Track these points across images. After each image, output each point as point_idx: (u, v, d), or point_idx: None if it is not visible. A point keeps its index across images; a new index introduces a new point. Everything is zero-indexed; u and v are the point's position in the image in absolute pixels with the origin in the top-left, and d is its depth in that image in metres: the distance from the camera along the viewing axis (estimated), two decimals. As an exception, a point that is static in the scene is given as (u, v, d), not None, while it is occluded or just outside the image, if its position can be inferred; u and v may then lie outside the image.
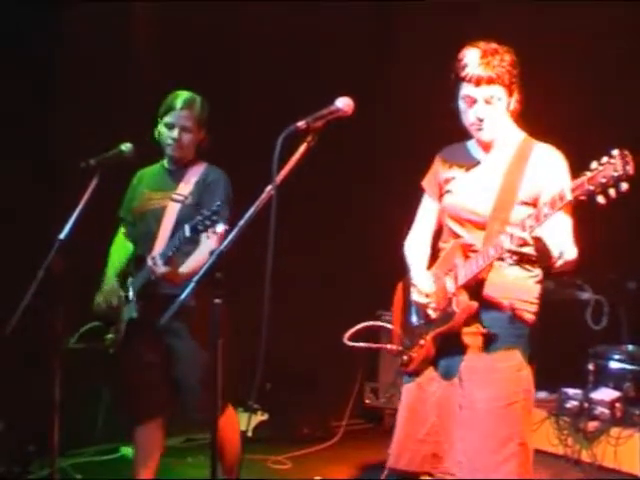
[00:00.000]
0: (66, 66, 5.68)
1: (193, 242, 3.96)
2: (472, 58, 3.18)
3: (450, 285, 3.24)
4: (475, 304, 3.20)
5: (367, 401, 6.47)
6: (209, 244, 3.92)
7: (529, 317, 3.30)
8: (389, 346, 3.49)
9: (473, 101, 3.21)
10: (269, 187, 2.99)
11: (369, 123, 5.82)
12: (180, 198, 4.07)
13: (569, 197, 2.82)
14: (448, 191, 3.39)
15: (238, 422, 4.37)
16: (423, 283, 3.33)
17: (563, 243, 3.13)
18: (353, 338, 3.50)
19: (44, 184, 5.45)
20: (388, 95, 6.55)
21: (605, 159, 2.73)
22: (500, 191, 3.22)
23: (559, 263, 3.08)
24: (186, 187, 4.13)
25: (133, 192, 4.33)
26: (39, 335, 3.93)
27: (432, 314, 3.30)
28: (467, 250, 3.26)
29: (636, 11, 5.71)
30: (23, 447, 5.03)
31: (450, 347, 3.28)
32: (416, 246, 3.52)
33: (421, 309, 3.35)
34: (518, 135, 3.33)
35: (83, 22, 5.66)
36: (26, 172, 5.35)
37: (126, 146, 3.99)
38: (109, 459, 5.40)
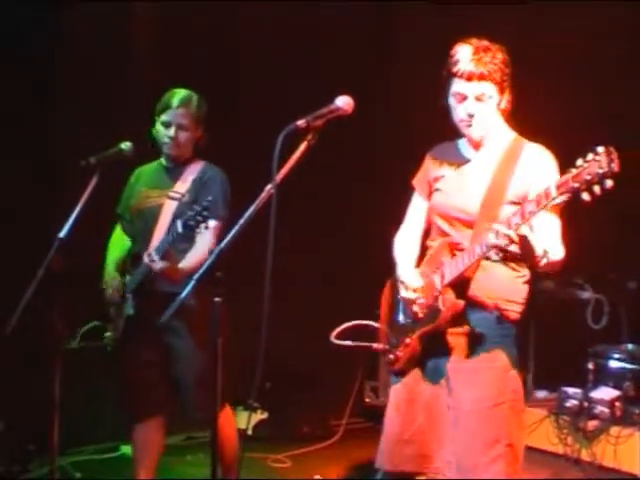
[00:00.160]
0: (66, 66, 5.68)
1: (188, 240, 3.95)
2: (464, 54, 3.17)
3: (437, 283, 3.23)
4: (461, 303, 3.19)
5: (367, 400, 6.48)
6: (205, 239, 3.94)
7: (514, 317, 3.26)
8: (375, 345, 3.47)
9: (463, 97, 3.20)
10: (269, 186, 2.99)
11: (369, 123, 5.82)
12: (177, 196, 4.06)
13: (554, 194, 2.81)
14: (437, 189, 3.38)
15: (236, 421, 4.37)
16: (410, 279, 3.31)
17: (549, 243, 3.11)
18: (340, 336, 3.50)
19: (44, 183, 5.46)
20: (388, 95, 6.55)
21: (590, 156, 2.72)
22: (489, 190, 3.21)
23: (543, 262, 3.04)
24: (183, 185, 4.13)
25: (131, 190, 4.33)
26: (39, 334, 3.93)
27: (418, 312, 3.29)
28: (454, 248, 3.26)
29: (635, 11, 5.72)
30: (23, 446, 5.04)
31: (437, 347, 3.27)
32: (405, 244, 3.51)
33: (408, 307, 3.34)
34: (508, 134, 3.33)
35: (83, 22, 5.66)
36: (26, 172, 5.36)
37: (126, 145, 3.99)
38: (109, 457, 5.41)
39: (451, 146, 3.43)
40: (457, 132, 3.36)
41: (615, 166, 2.69)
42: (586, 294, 6.09)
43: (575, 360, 5.73)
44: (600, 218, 6.10)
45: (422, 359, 3.32)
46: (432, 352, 3.29)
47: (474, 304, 3.21)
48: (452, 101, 3.25)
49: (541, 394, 6.26)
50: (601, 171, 2.69)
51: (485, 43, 3.20)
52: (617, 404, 5.43)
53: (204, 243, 3.95)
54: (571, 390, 5.64)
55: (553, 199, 2.83)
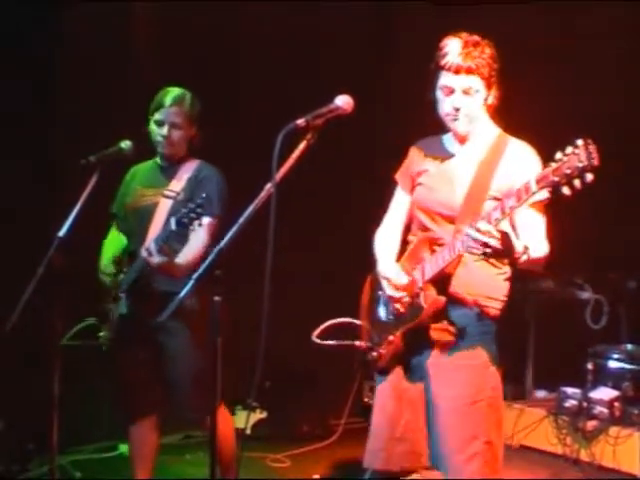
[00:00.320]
0: (66, 66, 5.67)
1: (183, 240, 3.95)
2: (453, 47, 3.17)
3: (418, 280, 3.22)
4: (443, 299, 3.18)
5: (366, 399, 6.46)
6: (199, 237, 3.93)
7: (494, 313, 3.25)
8: (357, 343, 3.44)
9: (451, 91, 3.19)
10: (269, 184, 2.99)
11: (369, 122, 5.82)
12: (172, 194, 4.05)
13: (534, 189, 2.80)
14: (420, 184, 3.36)
15: (232, 420, 4.36)
16: (397, 277, 3.29)
17: (531, 239, 3.11)
18: (324, 335, 3.50)
19: (44, 183, 5.45)
20: (388, 95, 6.55)
21: (569, 149, 2.71)
22: (472, 185, 3.20)
23: (523, 259, 3.02)
24: (178, 183, 4.11)
25: (126, 188, 4.31)
26: (38, 333, 3.93)
27: (400, 308, 3.28)
28: (434, 244, 3.25)
29: (633, 11, 5.74)
30: (22, 445, 5.04)
31: (419, 343, 3.26)
32: (386, 240, 3.50)
33: (390, 304, 3.33)
34: (493, 130, 3.31)
35: (83, 22, 5.66)
36: (26, 171, 5.35)
37: (125, 143, 4.00)
38: (108, 457, 5.40)
39: (435, 141, 3.41)
40: (443, 126, 3.34)
41: (595, 159, 2.67)
42: (586, 294, 6.10)
43: (574, 360, 5.74)
44: (599, 219, 6.13)
45: (405, 356, 3.31)
46: (414, 348, 3.28)
47: (454, 300, 3.20)
48: (439, 94, 3.24)
49: (540, 394, 6.29)
50: (581, 165, 2.67)
51: (475, 38, 3.19)
52: (616, 404, 5.45)
53: (198, 240, 3.95)
54: (570, 390, 5.66)
55: (533, 193, 2.82)
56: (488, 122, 3.32)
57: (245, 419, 5.75)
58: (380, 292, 3.38)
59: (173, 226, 3.65)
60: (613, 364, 5.68)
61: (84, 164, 3.79)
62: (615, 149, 6.07)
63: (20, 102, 5.34)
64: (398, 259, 3.43)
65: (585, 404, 5.52)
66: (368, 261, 3.52)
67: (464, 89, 3.18)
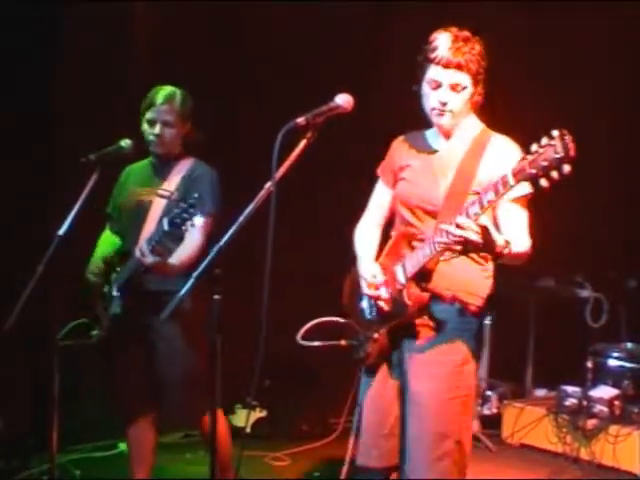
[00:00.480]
0: (66, 66, 5.66)
1: (176, 240, 3.94)
2: (443, 41, 3.15)
3: (400, 277, 3.20)
4: (426, 295, 3.16)
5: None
6: (193, 237, 3.91)
7: (474, 309, 3.22)
8: (343, 342, 3.44)
9: (438, 85, 3.17)
10: (269, 183, 2.99)
11: (369, 121, 5.82)
12: (166, 194, 4.03)
13: (512, 182, 2.78)
14: (402, 178, 3.35)
15: (225, 420, 4.35)
16: (371, 276, 3.28)
17: (513, 234, 3.09)
18: (309, 334, 3.49)
19: (44, 182, 5.44)
20: (388, 94, 6.55)
21: (545, 141, 2.68)
22: (454, 180, 3.18)
23: (505, 253, 2.99)
24: (172, 182, 4.09)
25: (120, 188, 4.29)
26: (38, 331, 3.93)
27: (384, 306, 3.26)
28: (413, 239, 3.24)
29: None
30: (22, 442, 5.03)
31: (402, 339, 3.25)
32: (365, 235, 3.49)
33: (373, 302, 3.31)
34: (477, 126, 3.29)
35: (83, 22, 5.64)
36: (26, 170, 5.34)
37: (126, 142, 3.98)
38: (108, 455, 5.39)
39: (419, 136, 3.39)
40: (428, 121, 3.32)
41: (571, 150, 2.64)
42: (585, 292, 6.11)
43: (574, 359, 5.74)
44: (599, 218, 6.13)
45: (390, 353, 3.30)
46: (398, 345, 3.28)
47: (435, 296, 3.19)
48: (425, 88, 3.21)
49: (540, 393, 6.29)
50: (557, 156, 2.64)
51: (465, 33, 3.18)
52: (616, 403, 5.45)
53: (192, 240, 3.93)
54: (570, 389, 5.66)
55: (511, 187, 2.80)
56: (472, 118, 3.29)
57: (245, 418, 5.75)
58: (362, 290, 3.36)
59: (166, 227, 3.63)
60: (613, 363, 5.68)
61: (84, 162, 3.78)
62: (615, 149, 6.13)
63: (20, 102, 5.32)
64: (379, 255, 3.42)
65: (585, 403, 5.52)
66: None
67: (452, 84, 3.15)
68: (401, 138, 3.46)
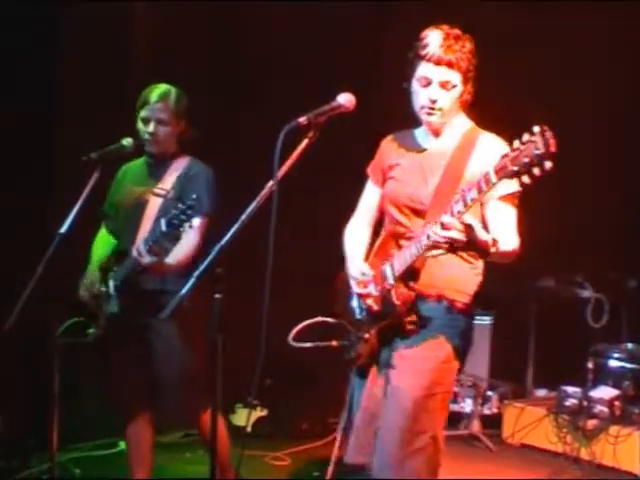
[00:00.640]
0: (66, 66, 5.66)
1: (173, 239, 3.93)
2: (434, 39, 3.14)
3: (388, 276, 3.19)
4: (413, 294, 3.15)
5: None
6: (190, 237, 3.89)
7: (460, 307, 3.22)
8: (334, 343, 3.42)
9: (428, 82, 3.16)
10: (270, 182, 2.98)
11: (369, 121, 5.82)
12: (162, 192, 4.01)
13: (494, 180, 2.77)
14: (391, 177, 3.33)
15: (223, 419, 4.35)
16: (360, 273, 3.28)
17: (500, 232, 3.08)
18: (301, 336, 3.47)
19: (44, 182, 5.43)
20: (388, 94, 6.54)
21: (526, 137, 2.67)
22: (442, 179, 3.17)
23: (492, 251, 2.98)
24: (168, 181, 4.07)
25: (117, 186, 4.27)
26: (38, 330, 3.93)
27: (373, 305, 3.25)
28: (401, 238, 3.23)
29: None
30: (22, 442, 5.03)
31: (391, 338, 3.24)
32: (355, 235, 3.49)
33: (363, 303, 3.30)
34: (466, 124, 3.28)
35: (83, 22, 5.63)
36: (26, 169, 5.33)
37: (127, 141, 3.98)
38: (108, 454, 5.39)
39: (408, 134, 3.38)
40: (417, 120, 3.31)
41: (552, 146, 2.62)
42: (586, 293, 6.10)
43: (575, 359, 5.74)
44: (598, 217, 6.13)
45: (379, 352, 3.29)
46: (386, 344, 3.27)
47: (422, 294, 3.18)
48: (415, 85, 3.20)
49: (541, 393, 6.29)
50: (538, 152, 2.63)
51: (456, 31, 3.17)
52: (616, 403, 5.45)
53: (189, 240, 3.91)
54: (570, 389, 5.66)
55: (493, 184, 2.79)
56: (462, 116, 3.29)
57: (246, 417, 5.75)
58: (352, 290, 3.36)
59: (163, 227, 3.62)
60: (613, 363, 5.68)
61: (85, 161, 3.78)
62: (616, 149, 6.14)
63: (20, 102, 5.31)
64: (368, 254, 3.41)
65: (585, 403, 5.52)
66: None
67: (441, 82, 3.14)
68: (390, 137, 3.45)
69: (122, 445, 5.31)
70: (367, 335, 3.29)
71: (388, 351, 3.26)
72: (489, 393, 6.15)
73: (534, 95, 6.04)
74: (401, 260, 3.15)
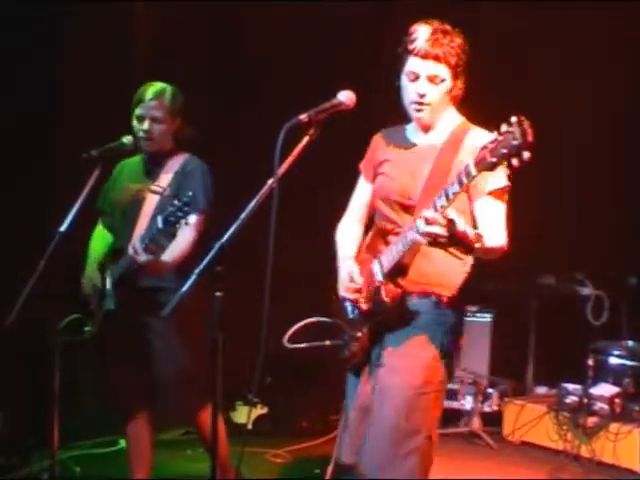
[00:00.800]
0: (66, 66, 5.66)
1: (170, 236, 3.93)
2: (422, 33, 3.12)
3: (377, 273, 3.18)
4: (400, 291, 3.13)
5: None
6: (186, 234, 3.90)
7: (445, 301, 3.18)
8: (328, 342, 3.41)
9: (416, 76, 3.14)
10: (271, 180, 2.98)
11: (369, 121, 5.82)
12: (159, 190, 4.00)
13: (474, 172, 2.76)
14: (381, 173, 3.32)
15: (222, 418, 4.34)
16: (349, 279, 3.26)
17: (488, 228, 3.07)
18: (300, 336, 3.45)
19: (44, 182, 5.44)
20: (388, 94, 6.55)
21: (504, 128, 2.66)
22: (431, 174, 3.14)
23: (477, 246, 2.96)
24: (165, 178, 4.06)
25: (113, 183, 4.26)
26: (38, 328, 3.93)
27: (363, 305, 3.24)
28: (388, 234, 3.22)
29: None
30: (23, 439, 5.03)
31: (382, 335, 3.23)
32: (346, 233, 3.47)
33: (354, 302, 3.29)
34: (456, 119, 3.26)
35: (83, 22, 5.64)
36: (26, 170, 5.34)
37: (127, 138, 3.98)
38: (108, 451, 5.39)
39: (399, 130, 3.36)
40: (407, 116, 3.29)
41: (529, 136, 2.61)
42: (586, 290, 6.11)
43: (575, 356, 5.75)
44: (599, 216, 6.14)
45: (371, 350, 3.27)
46: (378, 341, 3.25)
47: (411, 290, 3.16)
48: (404, 80, 3.19)
49: (541, 390, 6.30)
50: (516, 143, 2.62)
51: (445, 26, 3.15)
52: (617, 401, 5.45)
53: (185, 237, 3.92)
54: (571, 386, 5.66)
55: (473, 177, 2.78)
56: (452, 112, 3.27)
57: (246, 415, 5.76)
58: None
59: (160, 225, 3.62)
60: (614, 360, 5.68)
61: (86, 158, 3.78)
62: (616, 149, 6.14)
63: (20, 102, 5.32)
64: (359, 251, 3.40)
65: (586, 400, 5.52)
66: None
67: (429, 76, 3.13)
68: (381, 133, 3.43)
69: (122, 443, 5.31)
70: (359, 334, 3.28)
71: (379, 349, 3.23)
72: (489, 390, 6.15)
73: (534, 95, 6.06)
74: (389, 257, 3.14)
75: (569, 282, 6.19)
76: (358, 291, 3.25)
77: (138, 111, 4.09)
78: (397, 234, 3.16)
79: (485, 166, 2.72)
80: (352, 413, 3.36)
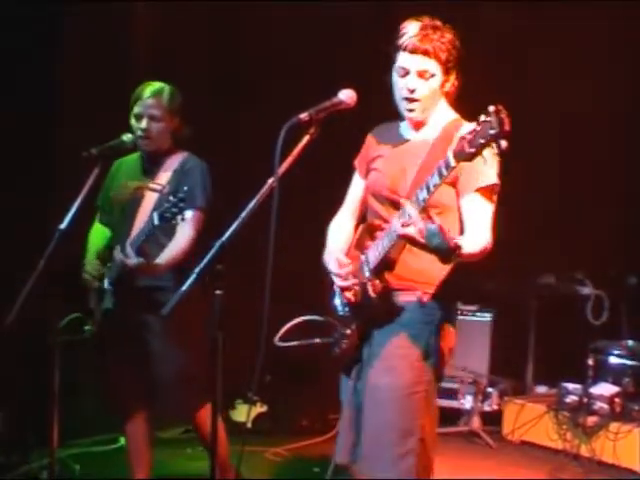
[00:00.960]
0: (66, 66, 5.67)
1: (168, 234, 3.93)
2: (412, 29, 3.12)
3: (365, 269, 3.16)
4: (385, 286, 3.11)
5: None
6: (184, 233, 3.91)
7: (427, 299, 3.14)
8: (318, 340, 3.40)
9: (406, 72, 3.13)
10: (271, 179, 2.98)
11: (369, 121, 5.83)
12: (157, 187, 3.98)
13: (452, 163, 2.75)
14: (374, 169, 3.30)
15: (220, 418, 4.34)
16: (338, 267, 3.23)
17: (470, 229, 3.05)
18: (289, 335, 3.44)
19: (44, 181, 5.44)
20: (388, 94, 6.55)
21: (482, 117, 2.65)
22: (420, 170, 3.11)
23: (452, 258, 2.92)
24: (164, 176, 4.06)
25: (111, 181, 4.25)
26: (38, 326, 3.93)
27: (351, 298, 3.22)
28: (376, 230, 3.19)
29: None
30: (22, 437, 5.03)
31: (370, 333, 3.21)
32: (338, 228, 3.45)
33: (343, 297, 3.27)
34: (449, 115, 3.24)
35: (83, 22, 5.64)
36: (26, 170, 5.34)
37: (127, 136, 3.98)
38: (107, 450, 5.39)
39: (393, 126, 3.34)
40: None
41: (506, 125, 2.61)
42: (586, 290, 6.11)
43: (575, 356, 5.75)
44: (599, 215, 6.14)
45: (360, 348, 3.25)
46: (366, 339, 3.22)
47: (397, 286, 3.14)
48: (395, 76, 3.18)
49: (541, 389, 6.30)
50: (493, 132, 2.61)
51: (437, 23, 3.14)
52: (616, 400, 5.46)
53: (183, 237, 3.92)
54: (571, 386, 5.67)
55: (453, 168, 2.77)
56: (445, 108, 3.24)
57: (246, 413, 5.76)
58: (334, 286, 3.31)
59: (156, 221, 3.63)
60: (614, 360, 5.68)
61: (86, 156, 3.78)
62: (616, 149, 6.15)
63: (20, 102, 5.32)
64: (349, 248, 3.38)
65: (585, 400, 5.53)
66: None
67: (419, 71, 3.11)
68: (376, 129, 3.42)
69: (122, 441, 5.32)
70: (349, 331, 3.26)
71: (368, 347, 3.21)
72: (489, 390, 6.15)
73: (534, 95, 6.06)
74: (375, 252, 3.12)
75: (569, 282, 6.20)
76: (350, 276, 3.20)
77: (136, 109, 4.08)
78: (384, 230, 3.13)
79: (464, 156, 2.71)
80: (345, 413, 3.34)
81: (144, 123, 4.05)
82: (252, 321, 3.12)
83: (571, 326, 6.04)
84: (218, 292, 2.99)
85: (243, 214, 2.98)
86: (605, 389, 5.53)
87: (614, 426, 5.34)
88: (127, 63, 5.80)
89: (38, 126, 5.42)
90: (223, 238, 2.99)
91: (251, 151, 5.48)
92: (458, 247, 2.87)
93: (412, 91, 3.14)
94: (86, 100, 5.59)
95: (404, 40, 3.12)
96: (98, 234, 4.29)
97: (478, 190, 3.08)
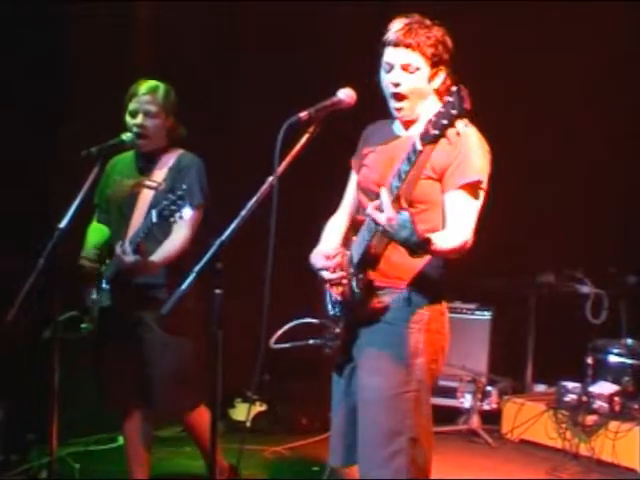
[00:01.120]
0: (67, 66, 5.67)
1: (166, 232, 3.93)
2: (397, 24, 3.10)
3: (349, 264, 3.14)
4: (373, 283, 3.09)
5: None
6: (181, 231, 3.91)
7: (422, 296, 3.10)
8: (311, 341, 3.38)
9: (391, 67, 3.10)
10: (271, 177, 2.98)
11: (369, 121, 5.84)
12: (154, 185, 3.98)
13: (419, 147, 2.75)
14: (364, 165, 3.29)
15: (207, 416, 4.34)
16: (323, 259, 3.21)
17: (448, 225, 3.02)
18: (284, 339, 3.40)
19: (44, 181, 5.44)
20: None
21: (447, 98, 2.65)
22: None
23: (420, 253, 2.90)
24: (160, 174, 4.05)
25: (107, 179, 4.24)
26: (38, 324, 3.94)
27: (339, 297, 3.20)
28: (360, 225, 3.15)
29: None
30: (22, 436, 5.03)
31: (357, 332, 3.18)
32: (332, 227, 3.44)
33: (332, 295, 3.25)
34: None
35: (83, 22, 5.65)
36: (26, 169, 5.35)
37: (127, 135, 3.97)
38: (107, 448, 5.40)
39: (386, 124, 3.32)
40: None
41: (466, 104, 2.60)
42: (586, 288, 6.12)
43: (574, 354, 5.75)
44: (599, 214, 6.14)
45: (350, 347, 3.22)
46: (354, 338, 3.20)
47: (382, 283, 3.11)
48: (382, 73, 3.17)
49: (540, 388, 6.31)
50: (455, 112, 2.61)
51: (425, 20, 3.12)
52: (616, 399, 5.46)
53: (178, 235, 3.93)
54: (570, 385, 5.67)
55: (420, 152, 2.76)
56: (437, 105, 3.12)
57: (245, 412, 5.76)
58: (325, 285, 3.30)
59: (154, 219, 3.62)
60: (613, 359, 5.68)
61: (85, 156, 3.78)
62: (616, 148, 6.16)
63: (20, 102, 5.33)
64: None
65: (585, 398, 5.53)
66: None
67: (403, 65, 3.08)
68: (370, 127, 3.41)
69: (121, 440, 5.31)
70: (338, 330, 3.24)
71: (356, 346, 3.20)
72: (488, 388, 6.15)
73: (534, 95, 6.07)
74: (357, 247, 3.11)
75: (568, 280, 6.20)
76: (338, 268, 3.18)
77: (132, 106, 4.08)
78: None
79: (428, 139, 2.71)
80: (337, 414, 3.31)
81: (139, 119, 4.04)
82: (251, 320, 3.12)
83: (570, 325, 6.04)
84: (217, 291, 2.99)
85: (243, 213, 2.98)
86: (604, 388, 5.53)
87: (613, 425, 5.35)
88: (127, 63, 5.81)
89: (38, 126, 5.43)
90: (223, 237, 2.98)
91: (251, 151, 5.48)
92: (427, 240, 2.85)
93: (397, 85, 3.11)
94: (86, 100, 5.61)
95: (388, 35, 3.11)
96: (96, 231, 4.29)
97: (462, 187, 3.04)
